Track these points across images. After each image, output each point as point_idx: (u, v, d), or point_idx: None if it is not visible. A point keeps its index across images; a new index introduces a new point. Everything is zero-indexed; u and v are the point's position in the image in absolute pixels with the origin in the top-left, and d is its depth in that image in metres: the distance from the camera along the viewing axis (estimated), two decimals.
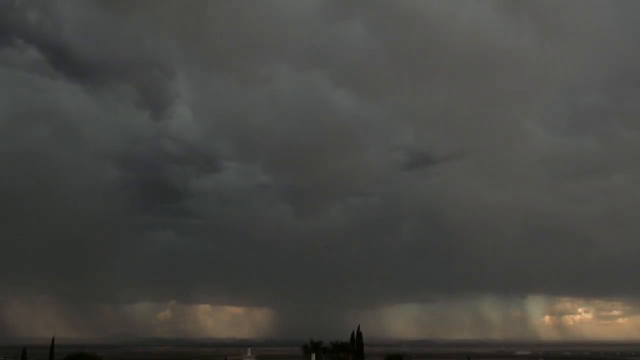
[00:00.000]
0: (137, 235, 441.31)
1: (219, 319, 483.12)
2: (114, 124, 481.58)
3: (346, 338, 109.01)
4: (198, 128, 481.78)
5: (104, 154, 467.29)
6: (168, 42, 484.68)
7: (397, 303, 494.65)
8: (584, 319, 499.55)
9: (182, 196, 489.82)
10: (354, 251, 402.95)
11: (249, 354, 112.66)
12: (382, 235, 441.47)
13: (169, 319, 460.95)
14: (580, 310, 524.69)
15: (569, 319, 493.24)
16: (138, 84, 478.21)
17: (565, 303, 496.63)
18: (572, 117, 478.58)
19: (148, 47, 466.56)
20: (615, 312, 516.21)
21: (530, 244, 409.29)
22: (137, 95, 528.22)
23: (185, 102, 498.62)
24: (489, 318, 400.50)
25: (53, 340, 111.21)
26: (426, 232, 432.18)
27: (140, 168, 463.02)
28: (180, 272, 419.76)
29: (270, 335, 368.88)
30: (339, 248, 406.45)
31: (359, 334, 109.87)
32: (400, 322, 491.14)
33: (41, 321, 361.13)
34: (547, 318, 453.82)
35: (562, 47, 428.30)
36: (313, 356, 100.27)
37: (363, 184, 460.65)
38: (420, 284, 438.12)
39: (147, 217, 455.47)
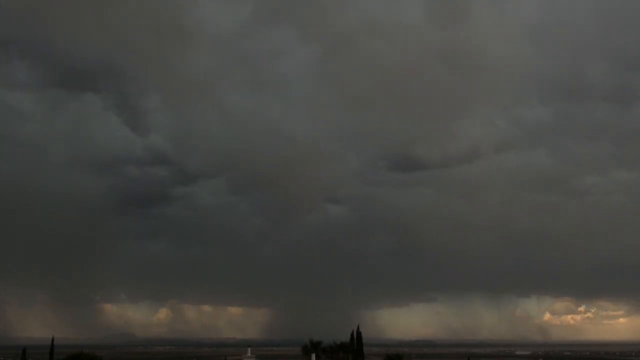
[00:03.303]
0: (120, 241, 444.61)
1: (206, 318, 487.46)
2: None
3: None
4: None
5: (86, 164, 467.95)
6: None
7: (398, 303, 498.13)
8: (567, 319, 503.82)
9: (162, 205, 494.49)
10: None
11: (249, 353, 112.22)
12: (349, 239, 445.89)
13: (169, 318, 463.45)
14: (579, 309, 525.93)
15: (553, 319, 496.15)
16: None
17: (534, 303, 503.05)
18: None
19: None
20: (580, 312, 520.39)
21: (505, 249, 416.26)
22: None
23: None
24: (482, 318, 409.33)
25: (53, 340, 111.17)
26: (390, 236, 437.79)
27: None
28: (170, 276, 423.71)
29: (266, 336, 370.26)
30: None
31: (359, 333, 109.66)
32: (401, 322, 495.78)
33: (38, 321, 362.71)
34: (523, 317, 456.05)
35: None
36: (313, 356, 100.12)
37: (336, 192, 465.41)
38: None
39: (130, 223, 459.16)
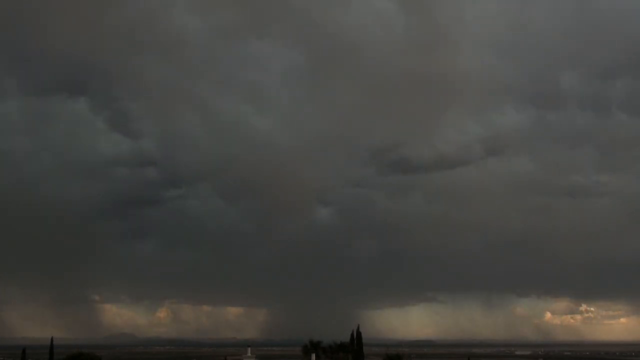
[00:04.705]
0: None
1: (206, 318, 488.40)
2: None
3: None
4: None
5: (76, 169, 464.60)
6: None
7: (398, 303, 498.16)
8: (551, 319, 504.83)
9: (162, 207, 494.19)
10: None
11: (249, 353, 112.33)
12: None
13: (169, 318, 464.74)
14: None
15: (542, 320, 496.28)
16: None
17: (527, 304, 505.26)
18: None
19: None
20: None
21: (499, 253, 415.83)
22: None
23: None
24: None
25: (52, 340, 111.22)
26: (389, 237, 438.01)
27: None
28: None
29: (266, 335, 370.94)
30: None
31: (359, 333, 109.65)
32: (401, 322, 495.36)
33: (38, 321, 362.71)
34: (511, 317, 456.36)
35: None
36: (313, 356, 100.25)
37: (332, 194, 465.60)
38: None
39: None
